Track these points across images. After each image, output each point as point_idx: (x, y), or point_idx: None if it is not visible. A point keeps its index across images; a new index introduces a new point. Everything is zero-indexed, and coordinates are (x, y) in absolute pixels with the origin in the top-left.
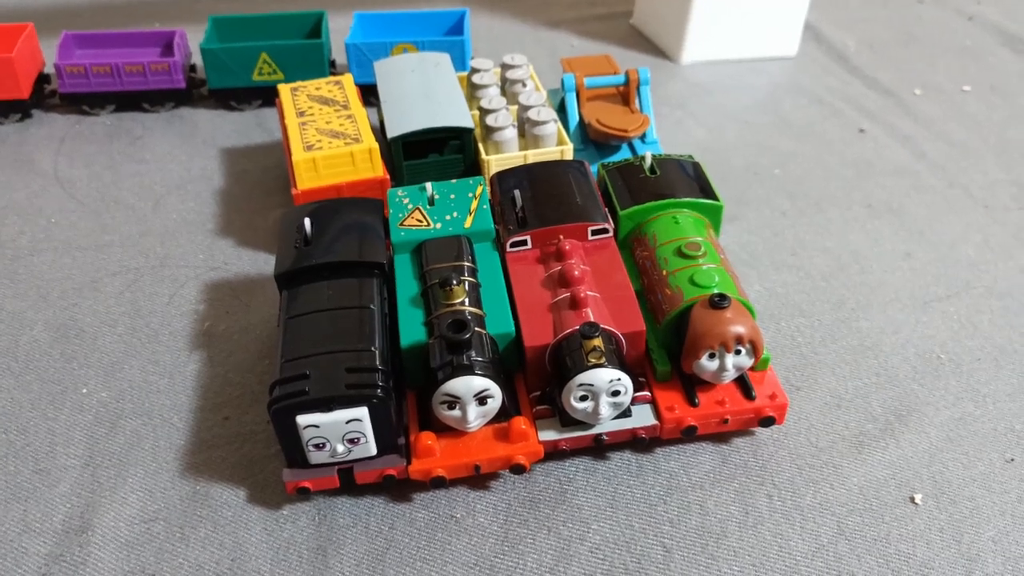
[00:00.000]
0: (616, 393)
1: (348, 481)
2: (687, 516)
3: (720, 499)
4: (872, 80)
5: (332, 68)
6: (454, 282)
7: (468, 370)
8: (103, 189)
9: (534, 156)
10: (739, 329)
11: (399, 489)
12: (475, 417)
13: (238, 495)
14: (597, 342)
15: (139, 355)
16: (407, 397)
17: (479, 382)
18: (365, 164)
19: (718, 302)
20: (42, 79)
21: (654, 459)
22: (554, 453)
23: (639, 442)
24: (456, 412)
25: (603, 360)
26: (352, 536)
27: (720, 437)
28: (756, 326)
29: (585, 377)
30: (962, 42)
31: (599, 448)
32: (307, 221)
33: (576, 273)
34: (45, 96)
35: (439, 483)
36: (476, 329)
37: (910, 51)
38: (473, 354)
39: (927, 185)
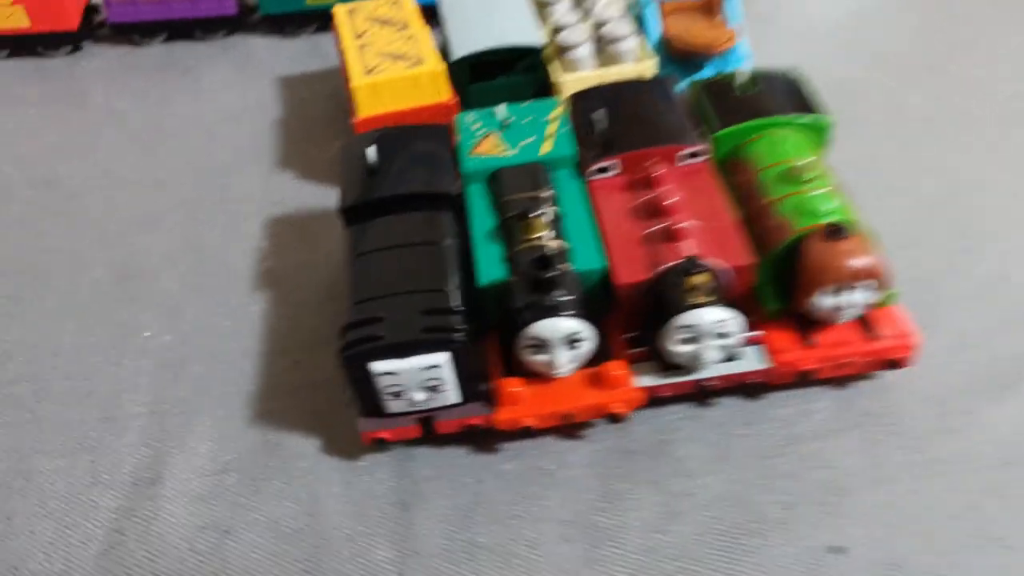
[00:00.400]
0: (722, 335)
1: (429, 431)
2: (807, 469)
3: (844, 449)
4: None
5: None
6: (534, 213)
7: (555, 311)
8: (157, 122)
9: (613, 75)
10: (862, 263)
11: (483, 439)
12: (566, 362)
13: (312, 445)
14: (701, 278)
15: (202, 295)
16: (489, 340)
17: (568, 324)
18: (430, 88)
19: (835, 232)
20: (91, 10)
21: (765, 406)
22: (652, 400)
23: (747, 388)
24: (544, 357)
25: (707, 298)
26: (436, 489)
27: (838, 381)
28: (882, 258)
29: (687, 318)
30: None
31: (702, 394)
32: (371, 151)
33: (671, 201)
34: (94, 27)
35: (528, 433)
36: (561, 265)
37: None
38: (560, 292)
39: None
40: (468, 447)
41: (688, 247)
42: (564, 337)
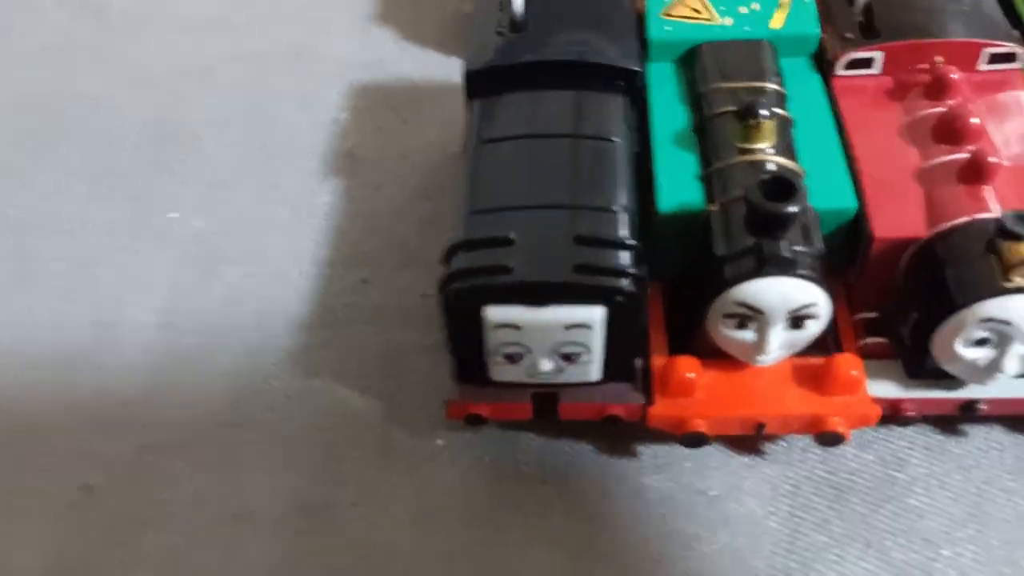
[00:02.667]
0: None
1: (546, 412)
2: None
3: None
4: None
5: None
6: (764, 112)
7: (791, 268)
8: None
9: None
10: None
11: (622, 438)
12: (778, 345)
13: (370, 407)
14: None
15: (254, 174)
16: (652, 296)
17: (804, 291)
18: None
19: None
20: None
21: None
22: (889, 418)
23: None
24: (749, 334)
25: None
26: (531, 502)
27: None
28: None
29: (999, 308)
30: None
31: (961, 419)
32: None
33: (975, 120)
34: None
35: (694, 441)
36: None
37: None
38: (799, 240)
39: None
40: (596, 446)
41: (998, 195)
42: (793, 309)
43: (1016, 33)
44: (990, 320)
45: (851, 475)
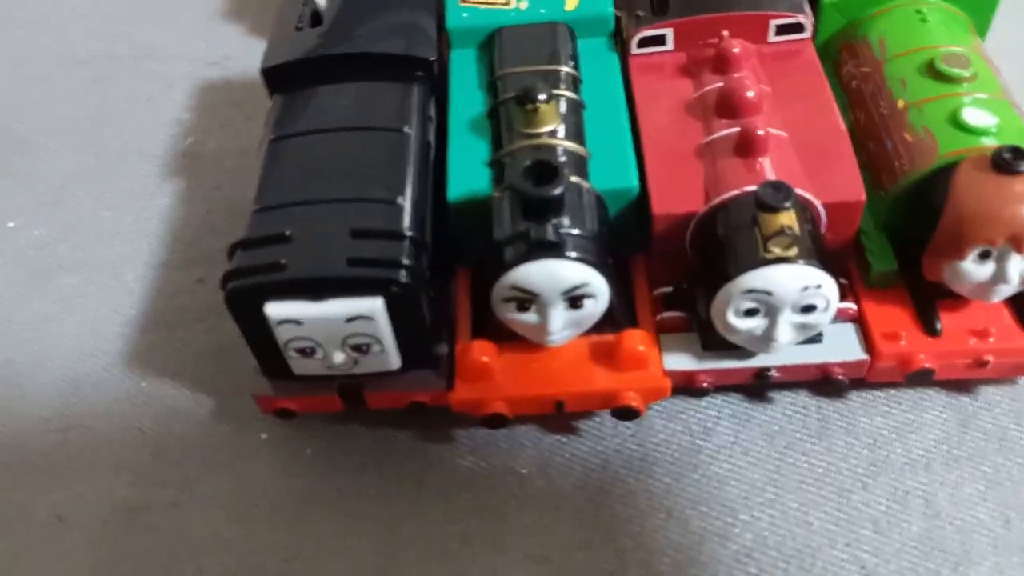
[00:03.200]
0: (810, 309)
1: (353, 401)
2: (904, 515)
3: (961, 493)
4: None
5: None
6: (542, 97)
7: (556, 250)
8: None
9: None
10: None
11: (432, 424)
12: (562, 326)
13: (197, 406)
14: (786, 218)
15: (94, 178)
16: (458, 280)
17: (573, 272)
18: None
19: (1012, 161)
20: None
21: (848, 412)
22: (684, 390)
23: (824, 384)
24: (531, 317)
25: (793, 251)
26: (348, 486)
27: (963, 386)
28: None
29: (760, 279)
30: None
31: (758, 387)
32: None
33: (750, 95)
34: None
35: (496, 422)
36: (574, 180)
37: None
38: (567, 223)
39: None
40: (410, 432)
41: (768, 167)
42: (565, 290)
43: (802, 2)
44: (752, 291)
45: (658, 447)
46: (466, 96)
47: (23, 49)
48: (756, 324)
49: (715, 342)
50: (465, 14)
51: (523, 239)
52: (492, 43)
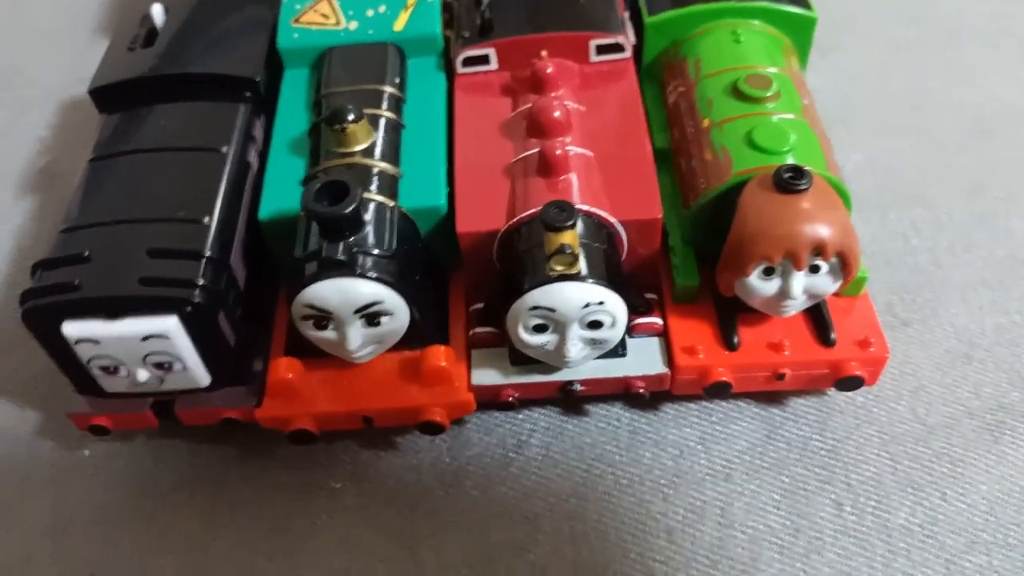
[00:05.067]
0: (596, 325)
1: (167, 416)
2: (699, 524)
3: (757, 502)
4: None
5: None
6: (350, 117)
7: (347, 268)
8: None
9: None
10: (821, 231)
11: (255, 437)
12: (361, 343)
13: (22, 425)
14: (568, 237)
15: None
16: (281, 298)
17: (366, 290)
18: None
19: (790, 181)
20: None
21: (660, 423)
22: (494, 403)
23: (635, 397)
24: (330, 334)
25: (576, 268)
26: (177, 503)
27: (770, 397)
28: (850, 227)
29: (543, 296)
30: None
31: (568, 400)
32: (157, 9)
33: (556, 115)
34: None
35: (302, 438)
36: (378, 199)
37: None
38: (363, 241)
39: None
40: (237, 447)
41: (563, 186)
42: (359, 308)
43: (625, 17)
44: (537, 307)
45: (471, 460)
46: (292, 115)
47: None
48: (547, 340)
49: (522, 357)
50: (296, 35)
51: (315, 258)
52: (322, 62)
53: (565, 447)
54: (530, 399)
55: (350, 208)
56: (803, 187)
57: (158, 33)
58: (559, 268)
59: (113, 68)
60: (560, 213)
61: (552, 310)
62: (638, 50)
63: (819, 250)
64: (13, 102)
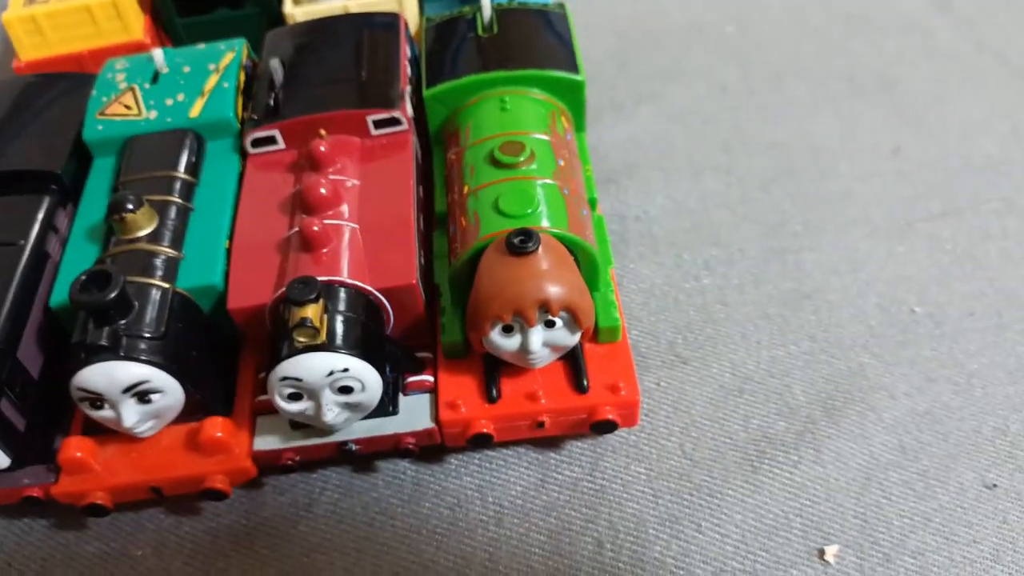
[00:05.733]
0: (347, 390)
1: None
2: (466, 569)
3: (523, 545)
4: None
5: None
6: (129, 206)
7: (110, 352)
8: None
9: (358, 6)
10: (547, 289)
11: (62, 514)
12: (137, 420)
13: None
14: (311, 311)
15: None
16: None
17: (129, 371)
18: (112, 23)
19: (518, 245)
20: None
21: (443, 474)
22: (280, 467)
23: (408, 453)
24: (107, 412)
25: (320, 339)
26: None
27: (548, 441)
28: (579, 286)
29: (288, 367)
30: None
31: (350, 459)
32: None
33: (322, 191)
34: None
35: (96, 511)
36: (151, 282)
37: None
38: (136, 323)
39: (943, 47)
40: (46, 521)
41: (320, 261)
42: (126, 388)
43: (405, 91)
44: (286, 378)
45: (264, 521)
46: (93, 204)
47: None
48: (304, 406)
49: (300, 422)
50: (100, 126)
51: (81, 346)
52: (122, 152)
53: (352, 503)
54: (314, 460)
55: (111, 295)
56: (531, 249)
57: None
58: (303, 340)
59: None
60: (304, 288)
61: (299, 379)
62: (420, 120)
63: (546, 307)
64: None
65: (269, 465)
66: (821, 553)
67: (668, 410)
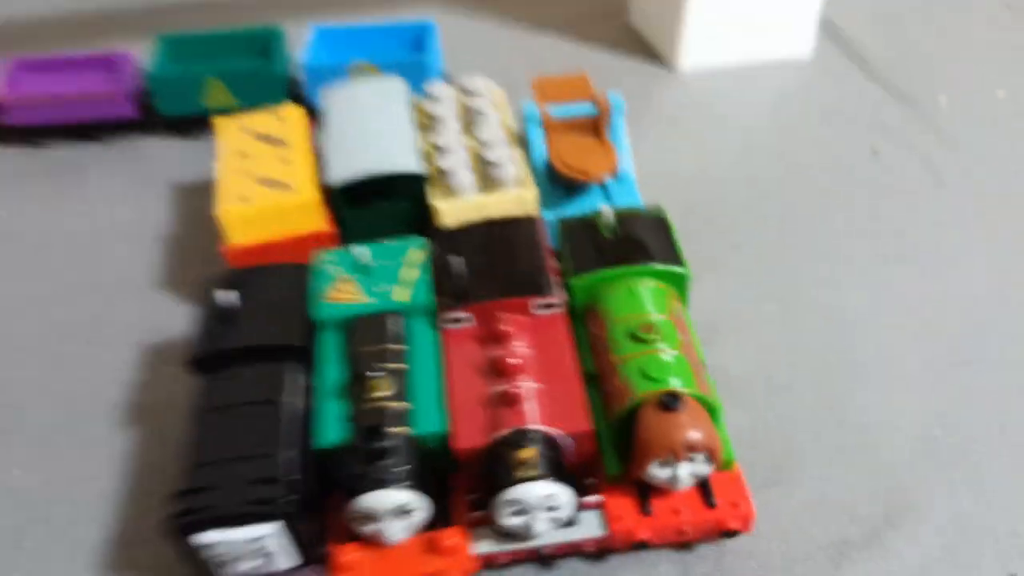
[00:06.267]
0: (553, 508)
1: None
2: None
3: None
4: (893, 86)
5: (294, 89)
6: (372, 373)
7: (382, 483)
8: (43, 233)
9: (492, 203)
10: (693, 436)
11: None
12: (397, 532)
13: None
14: (528, 453)
15: (70, 431)
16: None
17: (396, 497)
18: (302, 217)
19: (669, 403)
20: None
21: (607, 570)
22: (495, 565)
23: (588, 554)
24: (374, 527)
25: (534, 472)
26: None
27: (685, 546)
28: (713, 432)
29: (513, 493)
30: (1000, 36)
31: (542, 559)
32: (222, 294)
33: (513, 361)
34: None
35: None
36: (396, 430)
37: (939, 48)
38: (391, 462)
39: (946, 220)
40: None
41: (522, 414)
42: (392, 509)
43: (557, 280)
44: (511, 502)
45: None
46: (332, 368)
47: (14, 319)
48: (520, 521)
49: (505, 532)
50: (327, 308)
51: (362, 477)
52: (348, 327)
53: None
54: (516, 560)
55: (386, 444)
56: (677, 407)
57: (229, 309)
58: (524, 473)
59: (203, 341)
60: (520, 436)
61: (521, 502)
62: (567, 301)
63: (692, 448)
64: (105, 344)
65: (484, 565)
66: None
67: (767, 520)
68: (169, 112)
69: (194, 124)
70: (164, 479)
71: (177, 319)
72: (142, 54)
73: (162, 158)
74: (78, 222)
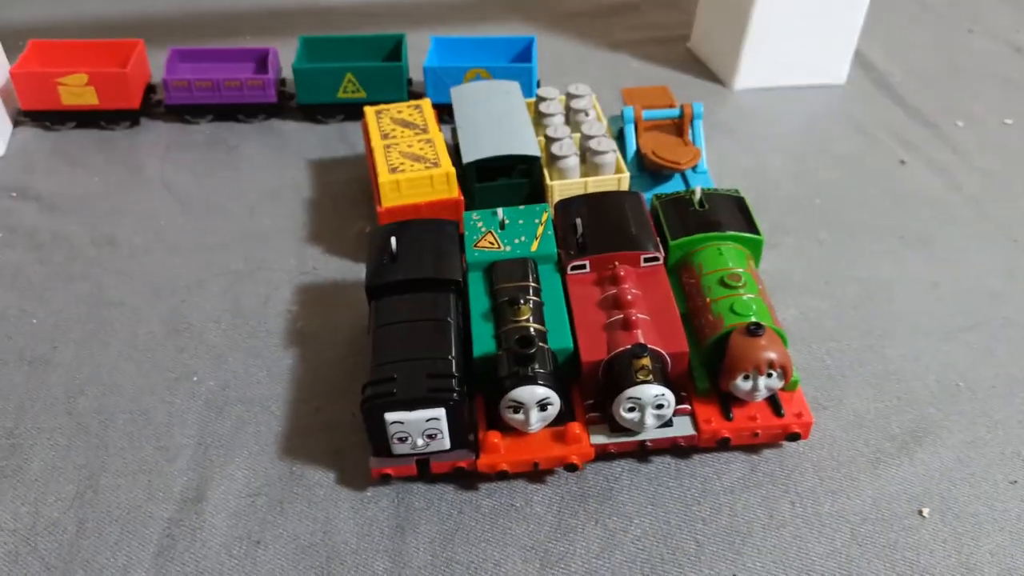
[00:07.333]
0: (660, 407)
1: (424, 470)
2: (718, 516)
3: (748, 503)
4: (915, 110)
5: (409, 86)
6: (521, 301)
7: (532, 380)
8: (204, 195)
9: (593, 183)
10: (771, 355)
11: (468, 479)
12: (536, 421)
13: (328, 477)
14: (645, 361)
15: (241, 349)
16: (477, 400)
17: (541, 391)
18: (442, 186)
19: (754, 330)
20: (149, 90)
21: (691, 464)
22: (603, 455)
23: (679, 449)
24: (520, 416)
25: (650, 377)
26: (426, 518)
27: (751, 448)
28: (787, 353)
29: (633, 392)
30: (1008, 74)
31: (643, 452)
32: (392, 240)
33: (628, 297)
34: (151, 105)
35: (503, 476)
36: (539, 344)
37: (956, 81)
38: (537, 366)
39: (959, 216)
40: (455, 485)
41: (638, 335)
42: (537, 401)
43: (657, 240)
44: (631, 397)
45: (589, 487)
46: (479, 299)
47: (180, 267)
48: (634, 416)
49: (616, 427)
50: (477, 253)
51: (516, 375)
52: (491, 269)
53: (640, 479)
54: (622, 451)
55: (534, 349)
56: (760, 333)
57: (394, 252)
58: (642, 377)
59: (376, 275)
60: (640, 349)
61: (639, 399)
62: (665, 258)
63: (772, 365)
64: (266, 283)
65: (598, 453)
66: (920, 511)
67: (817, 433)
68: (306, 100)
69: (323, 111)
70: (318, 389)
71: (324, 264)
72: (281, 49)
73: (297, 139)
74: (232, 185)
